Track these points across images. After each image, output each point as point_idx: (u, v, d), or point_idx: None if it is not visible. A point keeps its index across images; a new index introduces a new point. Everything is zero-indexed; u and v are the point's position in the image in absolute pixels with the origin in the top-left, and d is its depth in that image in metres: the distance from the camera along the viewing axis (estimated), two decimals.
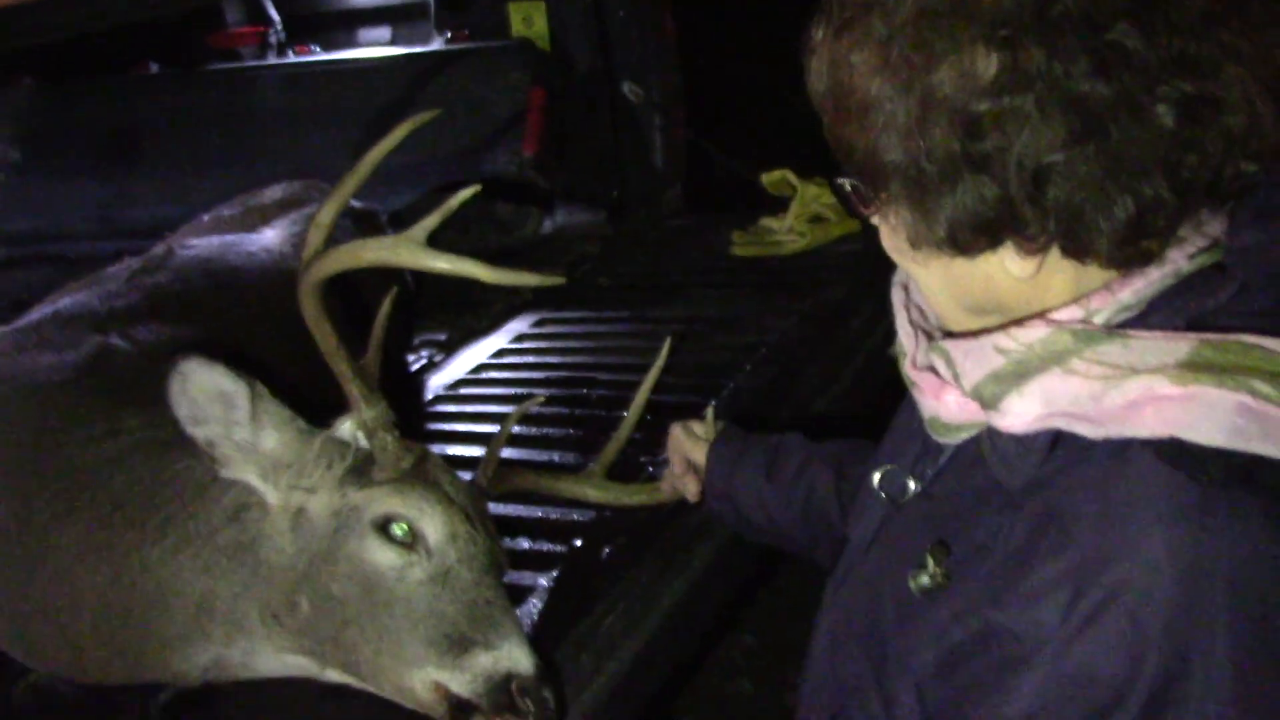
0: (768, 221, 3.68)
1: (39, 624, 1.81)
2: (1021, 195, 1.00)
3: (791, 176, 3.64)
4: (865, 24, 1.04)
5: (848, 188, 1.13)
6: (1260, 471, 0.95)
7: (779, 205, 3.70)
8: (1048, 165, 0.98)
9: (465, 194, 1.67)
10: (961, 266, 1.10)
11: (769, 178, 3.69)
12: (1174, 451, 0.97)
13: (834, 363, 2.84)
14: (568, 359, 3.10)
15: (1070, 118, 0.96)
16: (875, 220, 1.16)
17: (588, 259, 3.83)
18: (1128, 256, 1.04)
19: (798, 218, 3.58)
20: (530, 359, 3.15)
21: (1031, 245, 1.04)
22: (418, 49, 4.65)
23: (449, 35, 4.64)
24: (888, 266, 1.28)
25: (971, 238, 1.05)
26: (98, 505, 1.79)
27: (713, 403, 2.03)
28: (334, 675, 1.72)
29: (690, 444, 1.93)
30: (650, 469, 2.21)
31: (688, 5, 4.50)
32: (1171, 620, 0.94)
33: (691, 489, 1.94)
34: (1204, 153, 0.97)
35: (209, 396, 1.64)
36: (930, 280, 1.16)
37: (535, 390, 2.77)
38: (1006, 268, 1.07)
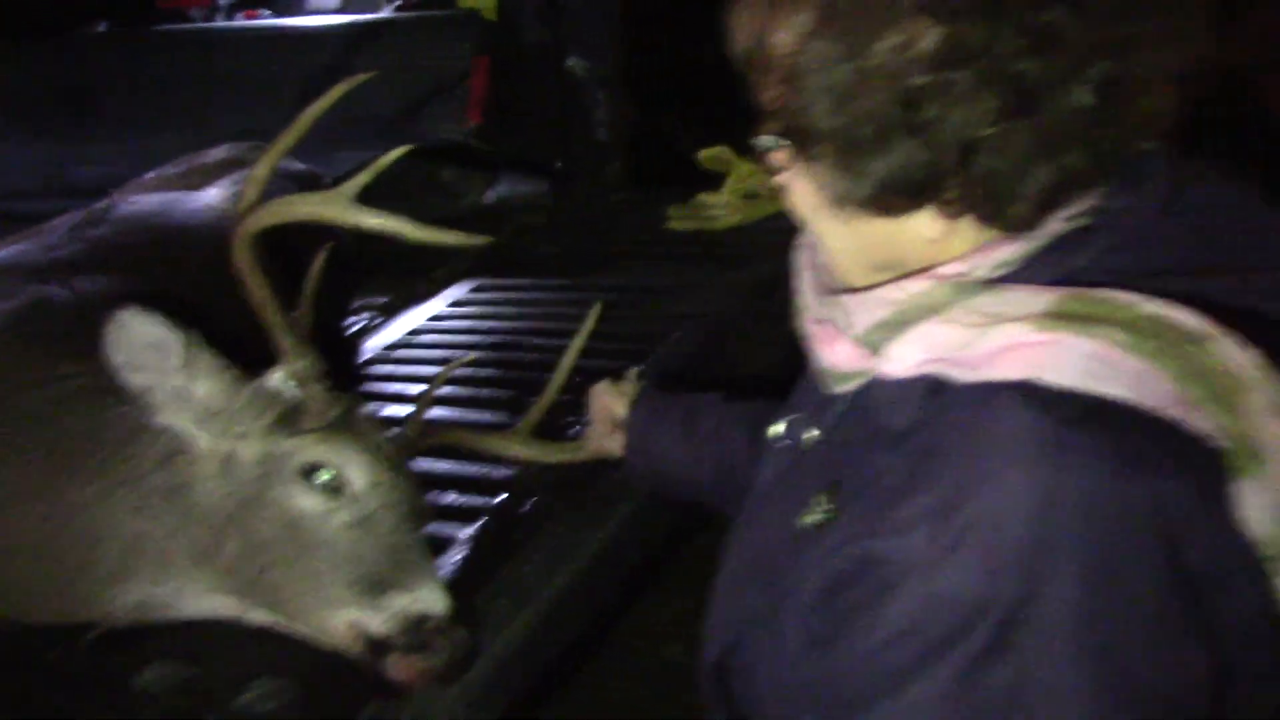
0: (703, 197, 3.76)
1: None
2: (951, 164, 1.08)
3: (728, 153, 3.72)
4: None
5: (767, 145, 1.20)
6: (1110, 412, 1.03)
7: (714, 181, 3.77)
8: (980, 138, 1.06)
9: (395, 154, 1.74)
10: (877, 226, 1.18)
11: (706, 154, 3.77)
12: (1031, 393, 1.05)
13: (761, 332, 2.93)
14: (504, 324, 3.17)
15: (1005, 94, 1.04)
16: (789, 179, 1.23)
17: (530, 228, 3.89)
18: (1030, 222, 1.12)
19: (733, 193, 3.66)
20: (467, 324, 3.22)
21: (950, 209, 1.12)
22: (365, 16, 4.67)
23: (397, 4, 4.67)
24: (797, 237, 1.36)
25: (896, 199, 1.13)
26: (34, 448, 1.84)
27: (636, 366, 2.10)
28: (258, 616, 1.79)
29: (612, 403, 2.01)
30: (575, 428, 2.28)
31: None
32: (1025, 547, 1.02)
33: (613, 447, 2.01)
34: (1121, 129, 1.06)
35: (145, 345, 1.70)
36: (840, 239, 1.23)
37: (468, 352, 2.83)
38: (919, 229, 1.15)
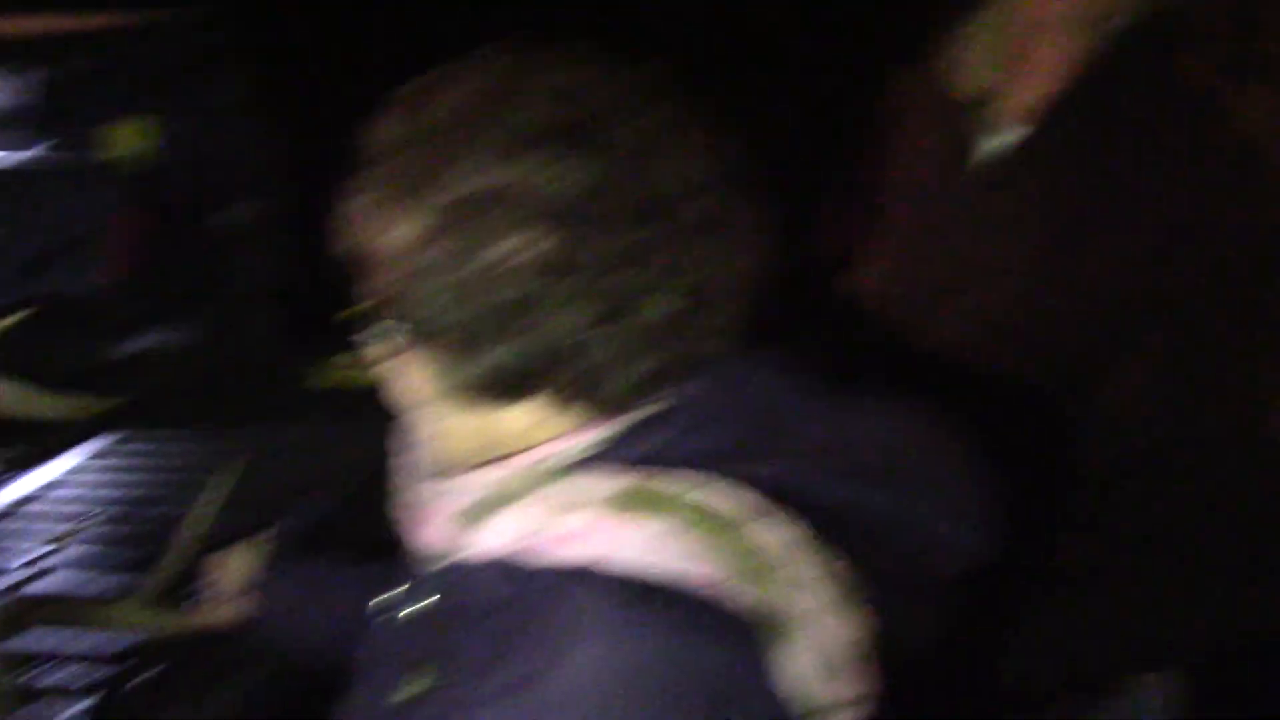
0: (355, 351, 3.76)
1: None
2: (549, 363, 1.19)
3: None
4: (420, 195, 1.19)
5: (375, 339, 1.29)
6: (664, 592, 1.16)
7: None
8: (576, 342, 1.17)
9: (16, 317, 1.69)
10: (477, 415, 1.27)
11: (355, 310, 3.78)
12: (595, 575, 1.16)
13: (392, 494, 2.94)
14: (141, 478, 3.05)
15: (598, 304, 1.16)
16: (396, 369, 1.31)
17: (171, 382, 3.78)
18: (614, 409, 1.24)
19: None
20: (103, 478, 3.08)
21: (555, 400, 1.23)
22: (7, 157, 4.45)
23: (47, 145, 4.48)
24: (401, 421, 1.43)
25: (497, 393, 1.23)
26: None
27: (269, 529, 2.09)
28: None
29: (240, 567, 1.99)
30: (200, 594, 2.23)
31: (309, 135, 4.57)
32: None
33: (240, 613, 1.98)
34: (706, 330, 1.20)
35: None
36: (440, 426, 1.32)
37: (99, 510, 2.72)
38: (517, 417, 1.25)
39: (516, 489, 1.24)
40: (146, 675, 2.08)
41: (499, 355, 1.20)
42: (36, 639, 2.06)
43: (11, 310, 1.68)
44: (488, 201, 1.16)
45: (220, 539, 2.10)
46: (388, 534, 2.76)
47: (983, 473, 1.38)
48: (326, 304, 3.91)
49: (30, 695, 1.75)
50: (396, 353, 1.30)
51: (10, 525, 2.79)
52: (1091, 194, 1.77)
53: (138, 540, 2.62)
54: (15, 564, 2.52)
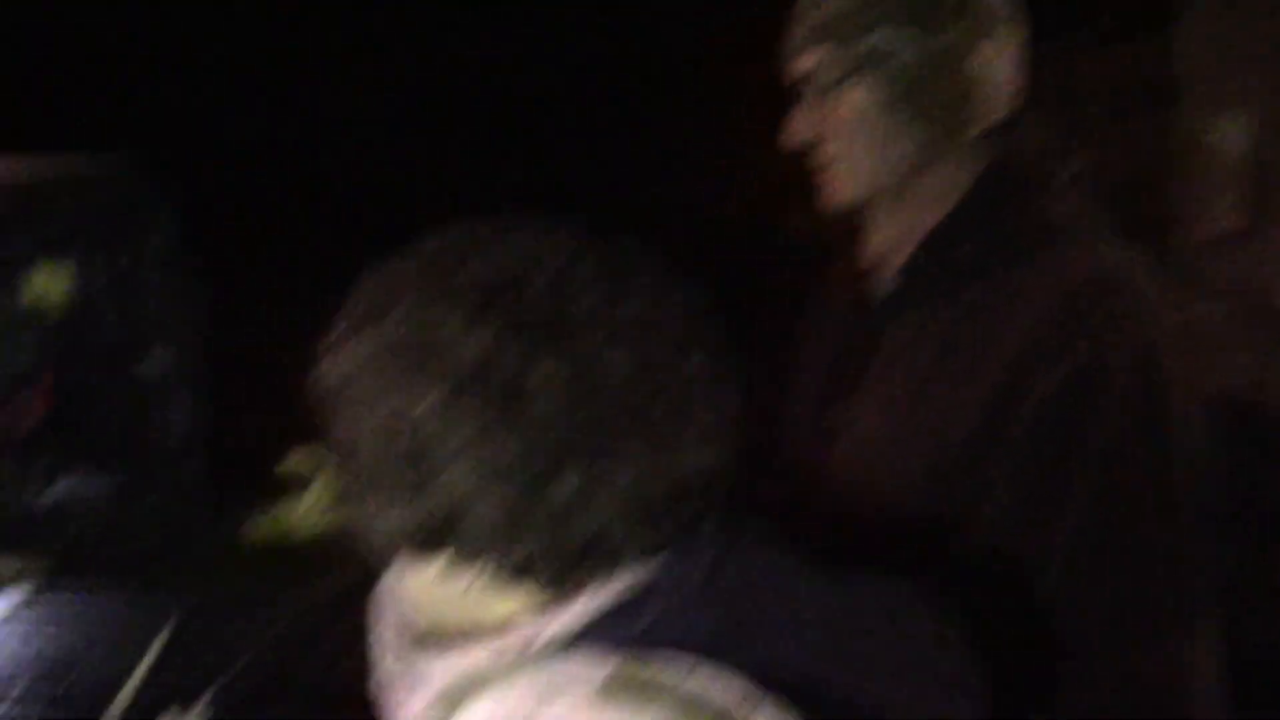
0: (287, 503, 3.68)
1: None
2: (440, 521, 1.15)
3: (316, 456, 3.69)
4: (360, 337, 1.17)
5: (329, 486, 1.23)
6: None
7: (301, 485, 3.71)
8: (462, 499, 1.14)
9: None
10: (419, 570, 1.22)
11: (292, 461, 3.72)
12: None
13: (342, 645, 2.85)
14: (60, 639, 2.91)
15: (485, 464, 1.13)
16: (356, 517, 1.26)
17: (92, 535, 3.64)
18: (543, 588, 1.20)
19: (318, 499, 3.62)
20: (14, 642, 2.93)
21: (457, 564, 1.18)
22: None
23: None
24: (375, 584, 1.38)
25: (412, 543, 1.19)
26: None
27: (204, 695, 1.99)
28: None
29: None
30: None
31: (225, 276, 4.54)
32: None
33: None
34: (589, 519, 1.17)
35: None
36: (402, 579, 1.27)
37: (15, 678, 2.57)
38: (445, 578, 1.21)
39: (500, 671, 1.18)
40: None
41: (392, 512, 1.17)
42: None
43: None
44: (401, 352, 1.15)
45: (156, 702, 1.99)
46: (331, 693, 2.69)
47: (965, 644, 1.36)
48: (254, 456, 3.84)
49: None
50: (347, 500, 1.26)
51: None
52: (946, 331, 1.87)
53: (65, 702, 2.49)
54: None
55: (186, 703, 1.97)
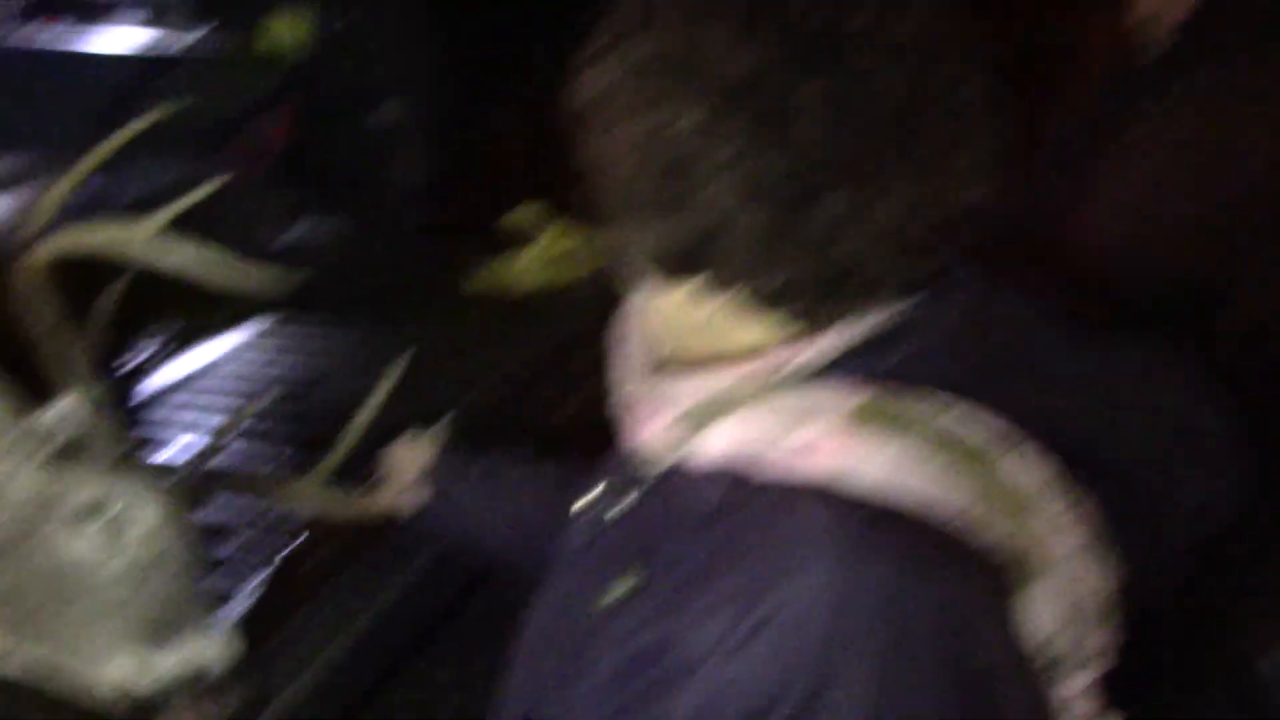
0: (509, 256, 3.75)
1: None
2: (699, 241, 1.11)
3: (538, 213, 3.74)
4: (607, 54, 1.14)
5: (588, 202, 1.22)
6: (904, 519, 1.08)
7: (523, 240, 3.77)
8: (723, 219, 1.09)
9: (206, 188, 1.68)
10: (667, 295, 1.21)
11: (513, 216, 3.78)
12: (831, 494, 1.09)
13: (559, 395, 2.94)
14: (302, 363, 3.08)
15: (748, 182, 1.08)
16: (604, 247, 1.25)
17: (324, 273, 3.80)
18: (796, 318, 1.16)
19: (539, 255, 3.67)
20: (263, 358, 3.12)
21: (712, 288, 1.16)
22: (174, 39, 4.50)
23: (204, 33, 4.51)
24: (621, 307, 1.38)
25: (660, 267, 1.16)
26: None
27: (437, 423, 2.07)
28: (17, 662, 1.66)
29: (412, 457, 1.97)
30: (368, 481, 2.22)
31: (463, 30, 4.53)
32: (818, 644, 1.05)
33: (410, 502, 1.97)
34: (851, 247, 1.11)
35: None
36: (647, 300, 1.26)
37: (265, 390, 2.73)
38: (697, 302, 1.19)
39: (746, 394, 1.17)
40: (317, 554, 2.09)
41: (649, 230, 1.14)
42: (215, 511, 2.08)
43: (178, 192, 1.65)
44: (666, 64, 1.10)
45: (390, 428, 2.08)
46: (554, 432, 2.79)
47: (1227, 419, 1.29)
48: (478, 209, 3.91)
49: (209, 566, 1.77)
50: (599, 226, 1.24)
51: (176, 400, 2.84)
52: (1232, 98, 1.75)
53: (303, 421, 2.64)
54: (186, 437, 2.56)
55: (421, 429, 2.04)
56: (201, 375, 3.03)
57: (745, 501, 1.15)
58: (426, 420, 2.11)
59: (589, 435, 2.80)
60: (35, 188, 2.78)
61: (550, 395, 2.94)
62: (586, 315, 3.42)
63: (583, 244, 3.71)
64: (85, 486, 1.64)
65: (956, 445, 1.11)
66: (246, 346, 3.22)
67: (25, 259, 1.63)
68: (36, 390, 1.70)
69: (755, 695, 1.06)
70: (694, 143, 1.09)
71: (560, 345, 3.20)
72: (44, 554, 1.61)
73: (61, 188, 1.66)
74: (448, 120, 4.39)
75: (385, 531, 2.12)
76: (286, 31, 4.32)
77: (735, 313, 1.18)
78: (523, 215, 3.76)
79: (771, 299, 1.15)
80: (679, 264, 1.16)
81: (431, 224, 4.34)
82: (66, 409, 1.69)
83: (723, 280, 1.15)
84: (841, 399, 1.13)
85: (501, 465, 1.90)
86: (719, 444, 1.17)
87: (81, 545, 1.62)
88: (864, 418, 1.11)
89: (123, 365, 2.94)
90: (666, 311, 1.24)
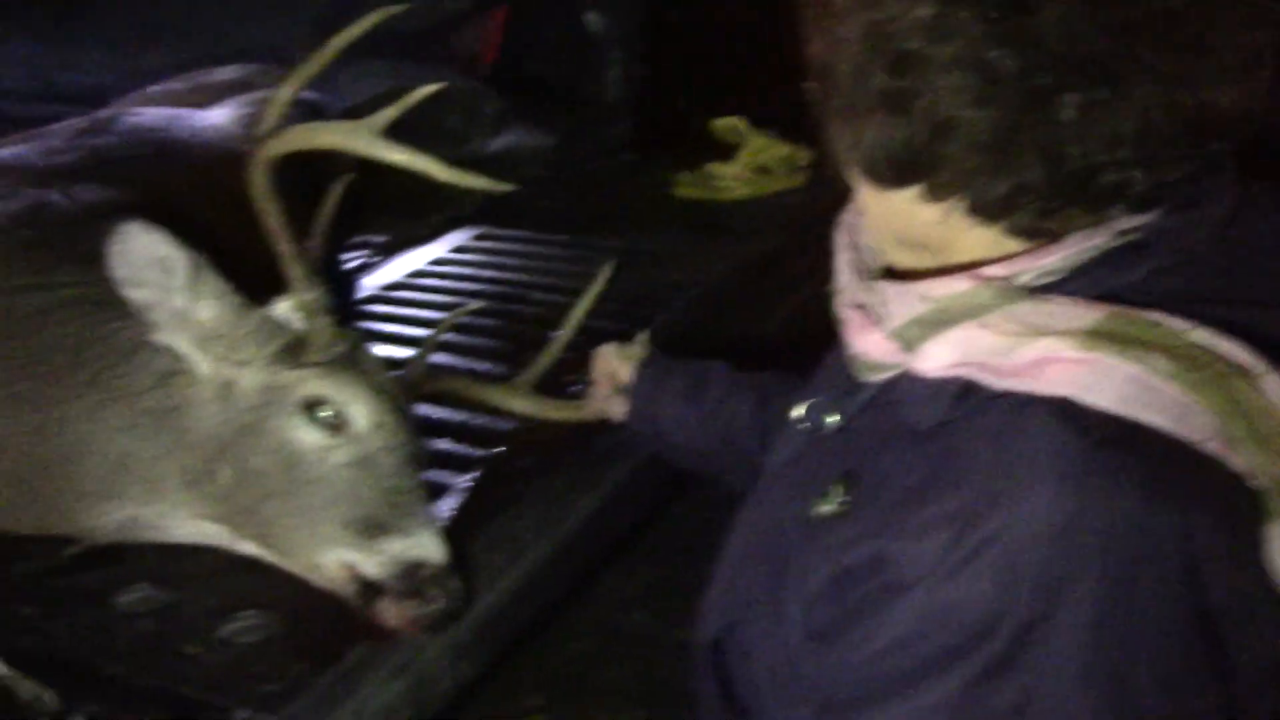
0: (713, 167, 3.72)
1: None
2: (923, 142, 1.05)
3: (742, 125, 3.69)
4: None
5: (799, 107, 1.17)
6: (1146, 440, 1.01)
7: (725, 152, 3.73)
8: (949, 119, 1.03)
9: (428, 90, 1.70)
10: (886, 201, 1.16)
11: (719, 124, 3.74)
12: (1067, 411, 1.03)
13: (765, 306, 2.91)
14: (504, 274, 3.13)
15: (978, 80, 1.01)
16: (829, 144, 1.20)
17: (531, 182, 3.84)
18: (1022, 229, 1.10)
19: (744, 166, 3.63)
20: (466, 270, 3.17)
21: (934, 194, 1.10)
22: None
23: None
24: (827, 221, 1.33)
25: (881, 171, 1.12)
26: (24, 354, 1.79)
27: (644, 331, 2.06)
28: (247, 547, 1.75)
29: (618, 364, 1.98)
30: (577, 388, 2.25)
31: None
32: (1044, 567, 1.00)
33: (615, 409, 1.98)
34: (1086, 151, 1.03)
35: (149, 260, 1.65)
36: (868, 204, 1.21)
37: (469, 300, 2.78)
38: (918, 209, 1.13)
39: (975, 304, 1.11)
40: (523, 459, 2.13)
41: (872, 128, 1.08)
42: (428, 409, 2.14)
43: (393, 98, 1.67)
44: None
45: (593, 337, 2.09)
46: (758, 343, 2.77)
47: None
48: (684, 119, 3.87)
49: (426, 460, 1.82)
50: (817, 129, 1.19)
51: (381, 309, 2.93)
52: None
53: (507, 332, 2.69)
54: (391, 339, 2.63)
55: (625, 338, 2.04)
56: (409, 284, 3.10)
57: (971, 415, 1.10)
58: (632, 328, 2.11)
59: (794, 346, 2.78)
60: (262, 91, 2.87)
61: (755, 306, 2.91)
62: (792, 226, 3.39)
63: (788, 153, 3.65)
64: (311, 380, 1.70)
65: (1206, 364, 1.03)
66: (452, 258, 3.28)
67: (258, 155, 1.67)
68: (263, 288, 1.77)
69: (970, 621, 1.03)
70: (923, 36, 1.03)
71: (766, 255, 3.17)
72: (271, 446, 1.69)
73: (289, 89, 1.70)
74: (653, 30, 4.35)
75: (590, 436, 2.14)
76: None
77: (960, 220, 1.13)
78: (728, 125, 3.72)
79: (998, 208, 1.08)
80: (900, 168, 1.10)
81: (637, 134, 4.34)
82: (293, 306, 1.76)
83: (945, 187, 1.09)
84: (1079, 313, 1.06)
85: (706, 374, 1.89)
86: (945, 354, 1.12)
87: (308, 436, 1.68)
88: (1103, 334, 1.04)
89: (338, 268, 3.05)
90: (885, 217, 1.19)
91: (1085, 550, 1.00)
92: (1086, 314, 1.06)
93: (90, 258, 1.70)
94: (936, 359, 1.13)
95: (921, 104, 1.04)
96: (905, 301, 1.16)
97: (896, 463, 1.15)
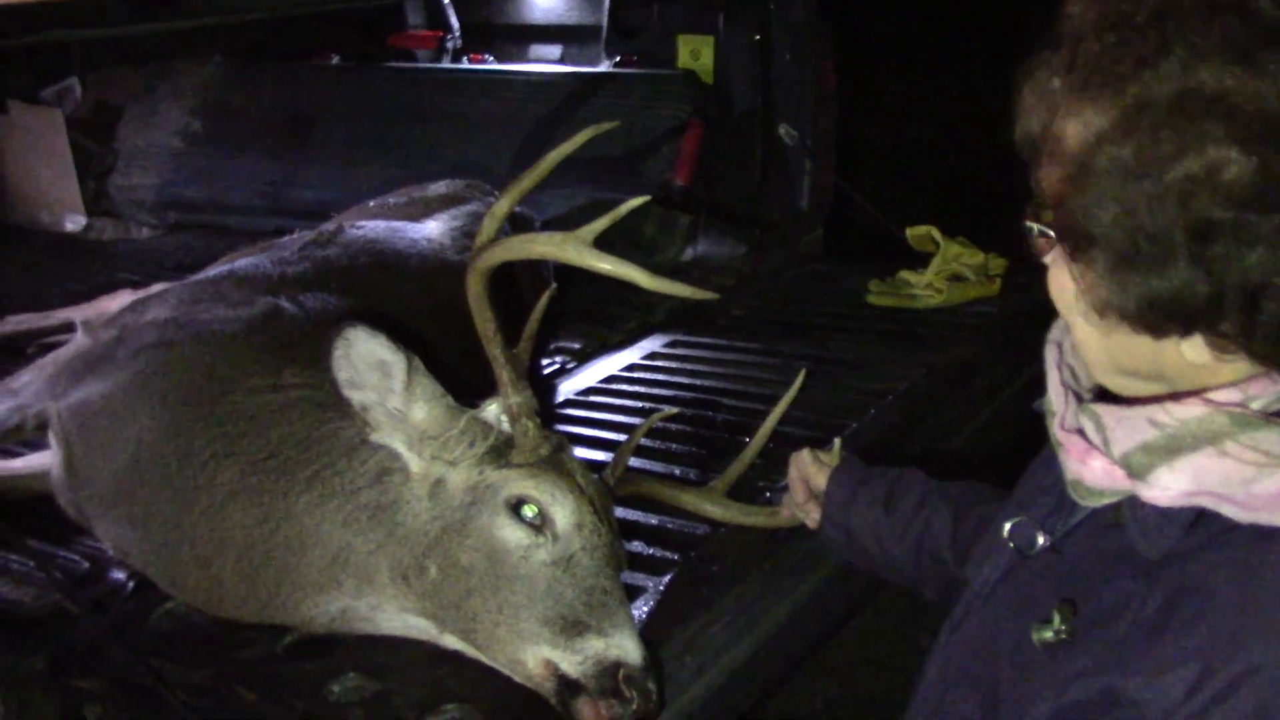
0: (905, 275, 3.71)
1: (185, 555, 1.94)
2: (1234, 304, 1.02)
3: (935, 233, 3.68)
4: (1116, 88, 1.04)
5: (1035, 232, 1.15)
6: None
7: (918, 260, 3.73)
8: (1271, 285, 1.00)
9: (635, 202, 1.76)
10: (1138, 341, 1.13)
11: (913, 232, 3.74)
12: None
13: (957, 417, 2.87)
14: (696, 380, 3.17)
15: None
16: (1053, 267, 1.19)
17: (724, 290, 3.90)
18: (1263, 356, 1.07)
19: (937, 274, 3.61)
20: (660, 376, 3.23)
21: (1223, 343, 1.07)
22: (585, 68, 4.78)
23: (617, 59, 4.76)
24: (1021, 331, 1.31)
25: (1164, 322, 1.07)
26: (255, 450, 1.92)
27: (839, 438, 2.07)
28: (451, 641, 1.81)
29: (814, 470, 1.98)
30: (769, 494, 2.26)
31: (852, 57, 4.56)
32: None
33: (810, 516, 1.98)
34: None
35: (368, 364, 1.75)
36: (1095, 341, 1.18)
37: (663, 406, 2.84)
38: (1184, 352, 1.10)
39: (1209, 433, 1.07)
40: (716, 565, 2.14)
41: (1164, 283, 1.03)
42: (627, 511, 2.19)
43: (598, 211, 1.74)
44: (1197, 105, 0.98)
45: (786, 444, 2.10)
46: (952, 454, 2.74)
47: None
48: (874, 228, 3.88)
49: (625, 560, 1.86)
50: (1053, 253, 1.18)
51: (577, 413, 3.00)
52: None
53: (701, 438, 2.73)
54: (588, 442, 2.70)
55: (818, 445, 2.05)
56: (604, 389, 3.18)
57: (1208, 546, 1.06)
58: (825, 436, 2.12)
59: (987, 459, 2.73)
60: (471, 204, 3.02)
61: (948, 415, 2.88)
62: (985, 335, 3.35)
63: (982, 261, 3.62)
64: (516, 480, 1.77)
65: None
66: (645, 364, 3.35)
67: (476, 264, 1.77)
68: (474, 391, 1.86)
69: None
70: (1242, 201, 0.99)
71: (959, 364, 3.14)
72: (477, 542, 1.75)
73: (505, 202, 1.79)
74: (844, 141, 4.41)
75: (783, 543, 2.15)
76: (697, 50, 4.50)
77: (1190, 352, 1.10)
78: (922, 232, 3.72)
79: (1268, 356, 1.06)
80: (1188, 321, 1.08)
81: (826, 242, 4.38)
82: (502, 408, 1.83)
83: (1229, 339, 1.07)
84: None
85: (901, 482, 1.87)
86: (1180, 482, 1.08)
87: (512, 535, 1.74)
88: None
89: (536, 373, 3.15)
90: (1113, 353, 1.17)
91: None
92: None
93: (315, 360, 1.81)
94: (1170, 487, 1.09)
95: (1231, 269, 1.01)
96: (1132, 426, 1.13)
97: (1123, 593, 1.12)
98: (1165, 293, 1.04)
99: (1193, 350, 1.09)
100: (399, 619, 1.85)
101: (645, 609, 1.99)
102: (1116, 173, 1.04)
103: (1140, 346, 1.12)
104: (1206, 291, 1.02)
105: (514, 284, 2.47)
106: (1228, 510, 1.05)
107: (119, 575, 2.12)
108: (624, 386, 3.17)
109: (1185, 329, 1.08)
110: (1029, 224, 1.16)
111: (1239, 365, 1.09)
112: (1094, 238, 1.08)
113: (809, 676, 3.41)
